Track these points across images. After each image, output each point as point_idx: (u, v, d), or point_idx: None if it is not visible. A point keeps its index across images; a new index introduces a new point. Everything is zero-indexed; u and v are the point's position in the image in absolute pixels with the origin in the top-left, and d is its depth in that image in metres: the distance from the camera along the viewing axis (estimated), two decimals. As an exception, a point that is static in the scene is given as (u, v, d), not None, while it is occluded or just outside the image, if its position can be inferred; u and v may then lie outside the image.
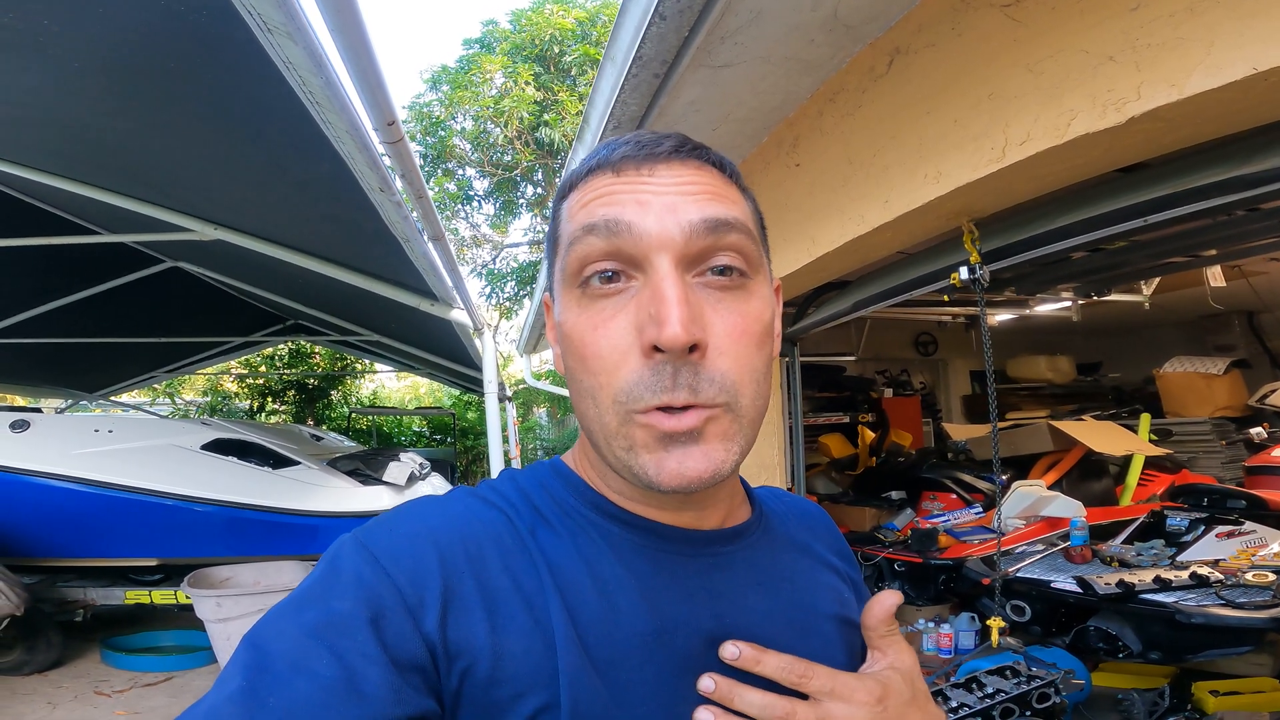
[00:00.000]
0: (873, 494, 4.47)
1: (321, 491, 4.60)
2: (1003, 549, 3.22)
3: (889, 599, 0.54)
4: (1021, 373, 6.34)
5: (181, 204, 2.97)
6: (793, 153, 2.31)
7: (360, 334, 6.07)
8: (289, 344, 10.33)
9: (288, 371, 11.26)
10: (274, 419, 11.09)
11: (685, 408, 0.45)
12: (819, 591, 0.58)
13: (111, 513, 4.37)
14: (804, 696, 0.48)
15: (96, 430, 4.58)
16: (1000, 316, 5.08)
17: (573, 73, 10.51)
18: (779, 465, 3.22)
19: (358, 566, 0.45)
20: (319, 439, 6.14)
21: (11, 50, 1.83)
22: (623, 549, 0.51)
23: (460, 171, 12.11)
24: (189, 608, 4.14)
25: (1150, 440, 4.46)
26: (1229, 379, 4.95)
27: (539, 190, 12.18)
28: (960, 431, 5.23)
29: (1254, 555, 2.96)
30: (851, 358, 5.93)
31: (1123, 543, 3.32)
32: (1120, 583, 2.58)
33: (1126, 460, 4.18)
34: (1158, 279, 4.25)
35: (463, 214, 12.81)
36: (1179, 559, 2.97)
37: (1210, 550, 3.02)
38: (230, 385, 11.77)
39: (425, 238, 2.52)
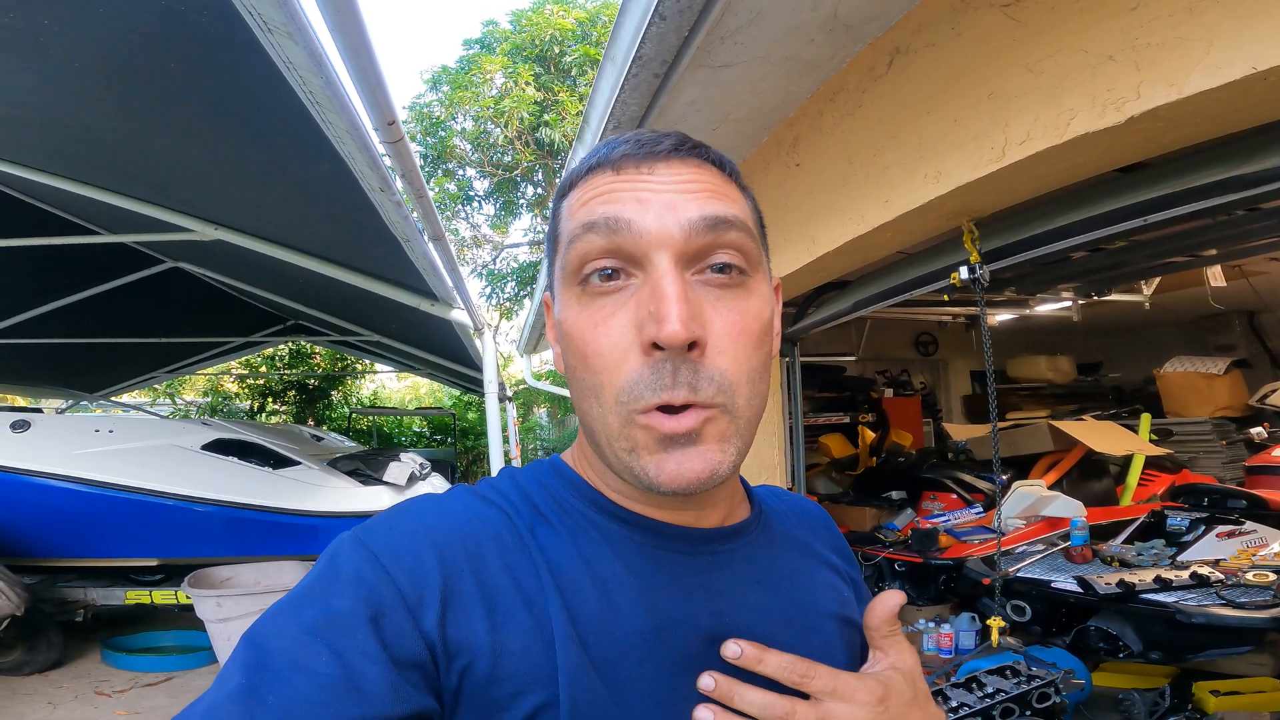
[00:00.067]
0: (873, 494, 4.47)
1: (322, 492, 4.60)
2: (1003, 549, 3.22)
3: (892, 599, 0.54)
4: (1022, 373, 6.34)
5: (182, 204, 2.97)
6: (793, 153, 2.31)
7: (360, 334, 6.07)
8: (289, 344, 10.33)
9: (288, 372, 11.26)
10: (274, 419, 11.09)
11: (684, 407, 0.45)
12: (818, 590, 0.59)
13: (112, 513, 4.37)
14: (805, 696, 0.48)
15: (97, 430, 4.58)
16: (1000, 316, 5.07)
17: (573, 73, 10.52)
18: (779, 465, 3.22)
19: (357, 565, 0.45)
20: (319, 439, 6.14)
21: (11, 50, 1.83)
22: (622, 547, 0.51)
23: (460, 172, 12.12)
24: (189, 608, 4.14)
25: (1151, 440, 4.46)
26: (1229, 379, 4.94)
27: (539, 191, 12.18)
28: (960, 431, 5.23)
29: (1254, 555, 2.95)
30: (852, 358, 5.93)
31: (1123, 543, 3.32)
32: (1121, 583, 2.58)
33: (1127, 460, 4.18)
34: (1158, 279, 4.25)
35: (463, 214, 12.83)
36: (1179, 559, 2.97)
37: (1211, 550, 3.02)
38: (231, 385, 11.78)
39: (425, 238, 2.53)
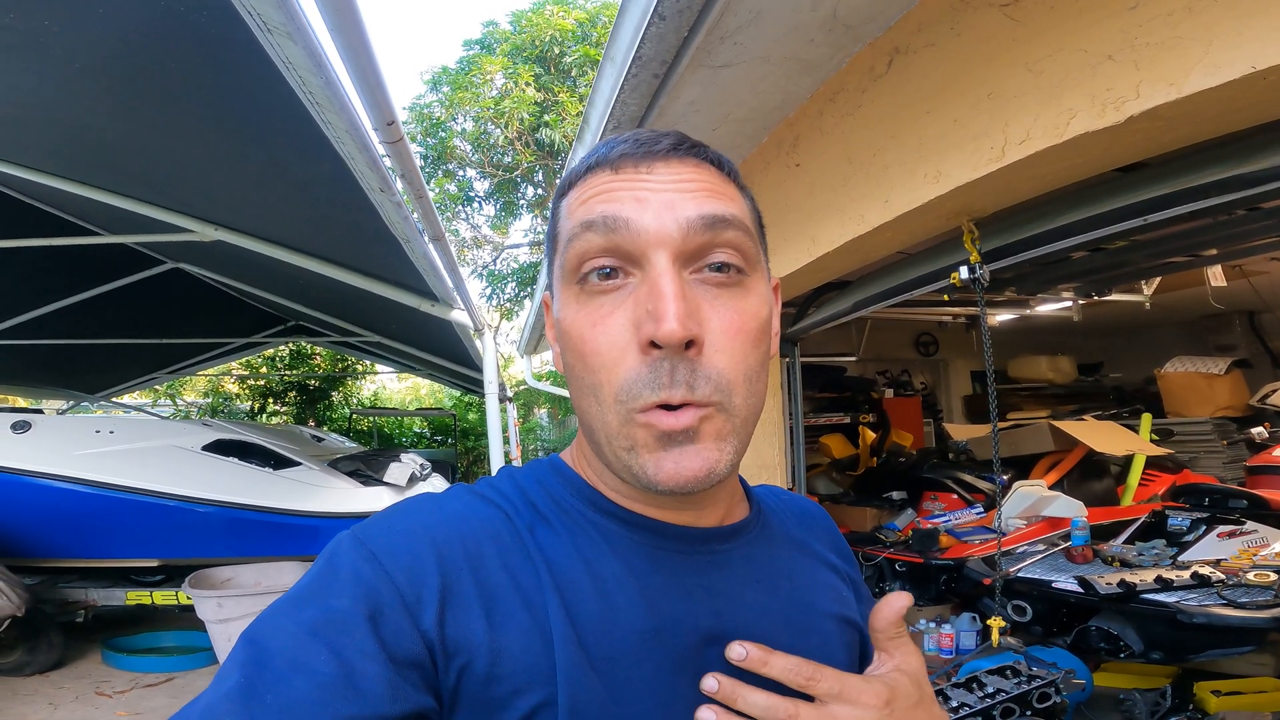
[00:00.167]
0: (874, 494, 4.47)
1: (322, 492, 4.60)
2: (1004, 549, 3.22)
3: (899, 601, 0.53)
4: (1022, 373, 6.33)
5: (182, 205, 2.97)
6: (793, 153, 2.31)
7: (361, 335, 6.08)
8: (290, 345, 10.35)
9: (289, 373, 11.28)
10: (275, 420, 11.10)
11: (682, 405, 0.45)
12: (818, 590, 0.58)
13: (113, 513, 4.38)
14: (808, 698, 0.48)
15: (98, 431, 4.59)
16: (1001, 316, 5.07)
17: (573, 73, 10.52)
18: (780, 465, 3.22)
19: (356, 564, 0.45)
20: (320, 440, 6.14)
21: (11, 50, 1.83)
22: (621, 547, 0.51)
23: (461, 172, 12.12)
24: (190, 608, 4.15)
25: (1151, 440, 4.46)
26: (1230, 379, 4.94)
27: (539, 191, 12.18)
28: (961, 431, 5.23)
29: (1255, 555, 2.95)
30: (852, 358, 5.93)
31: (1124, 543, 3.32)
32: (1121, 583, 2.58)
33: (1128, 460, 4.18)
34: (1158, 279, 4.25)
35: (463, 215, 12.83)
36: (1180, 559, 2.97)
37: (1212, 550, 3.02)
38: (231, 386, 11.80)
39: (425, 238, 2.53)
